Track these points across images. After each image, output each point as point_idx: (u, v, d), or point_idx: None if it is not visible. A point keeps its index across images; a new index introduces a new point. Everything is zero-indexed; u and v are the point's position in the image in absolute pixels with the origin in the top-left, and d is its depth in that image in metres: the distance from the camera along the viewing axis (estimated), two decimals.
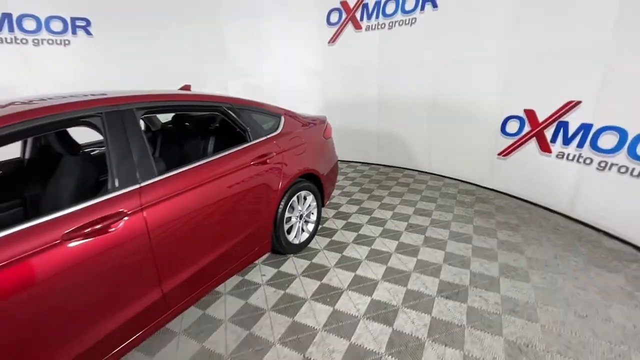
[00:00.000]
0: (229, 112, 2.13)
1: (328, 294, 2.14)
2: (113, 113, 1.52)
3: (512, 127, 3.42)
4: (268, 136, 2.30)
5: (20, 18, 4.06)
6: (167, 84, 2.64)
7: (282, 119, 2.50)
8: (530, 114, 3.23)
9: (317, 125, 2.83)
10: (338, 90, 4.96)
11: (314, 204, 2.76)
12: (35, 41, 4.18)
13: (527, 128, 3.29)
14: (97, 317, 1.38)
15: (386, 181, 4.30)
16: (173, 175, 1.66)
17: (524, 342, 1.71)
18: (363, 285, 2.20)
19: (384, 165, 5.00)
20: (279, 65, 5.22)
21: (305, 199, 2.65)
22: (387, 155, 4.93)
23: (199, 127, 2.62)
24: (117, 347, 1.46)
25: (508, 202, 3.48)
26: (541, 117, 3.13)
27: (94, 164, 1.85)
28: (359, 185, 4.18)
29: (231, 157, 1.98)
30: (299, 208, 2.60)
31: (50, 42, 4.27)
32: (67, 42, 4.38)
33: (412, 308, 1.97)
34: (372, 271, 2.36)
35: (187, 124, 2.70)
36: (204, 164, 1.82)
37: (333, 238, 2.85)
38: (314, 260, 2.53)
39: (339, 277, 2.31)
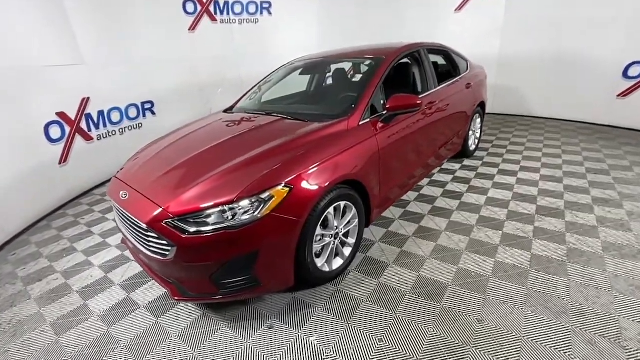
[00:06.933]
0: (450, 54, 3.38)
1: (505, 171, 3.37)
2: (420, 50, 2.84)
3: (635, 71, 4.22)
4: (466, 73, 3.51)
5: (233, 4, 5.64)
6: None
7: (469, 62, 3.67)
8: None
9: (482, 70, 3.96)
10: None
11: (479, 124, 3.95)
12: (240, 20, 5.77)
13: None
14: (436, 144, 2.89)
15: (506, 123, 5.32)
16: (440, 88, 2.95)
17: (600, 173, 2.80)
18: (517, 166, 3.41)
19: (497, 114, 5.96)
20: (409, 32, 6.26)
21: (476, 120, 3.84)
22: (500, 105, 5.87)
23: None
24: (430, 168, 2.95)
25: (626, 132, 4.34)
26: None
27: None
28: (486, 126, 5.25)
29: (460, 81, 3.26)
30: (473, 125, 3.81)
31: (247, 21, 5.84)
32: (256, 20, 5.92)
33: (566, 164, 3.14)
34: (534, 158, 3.57)
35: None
36: (450, 83, 3.11)
37: (489, 151, 4.05)
38: (485, 160, 3.77)
39: (508, 165, 3.53)
